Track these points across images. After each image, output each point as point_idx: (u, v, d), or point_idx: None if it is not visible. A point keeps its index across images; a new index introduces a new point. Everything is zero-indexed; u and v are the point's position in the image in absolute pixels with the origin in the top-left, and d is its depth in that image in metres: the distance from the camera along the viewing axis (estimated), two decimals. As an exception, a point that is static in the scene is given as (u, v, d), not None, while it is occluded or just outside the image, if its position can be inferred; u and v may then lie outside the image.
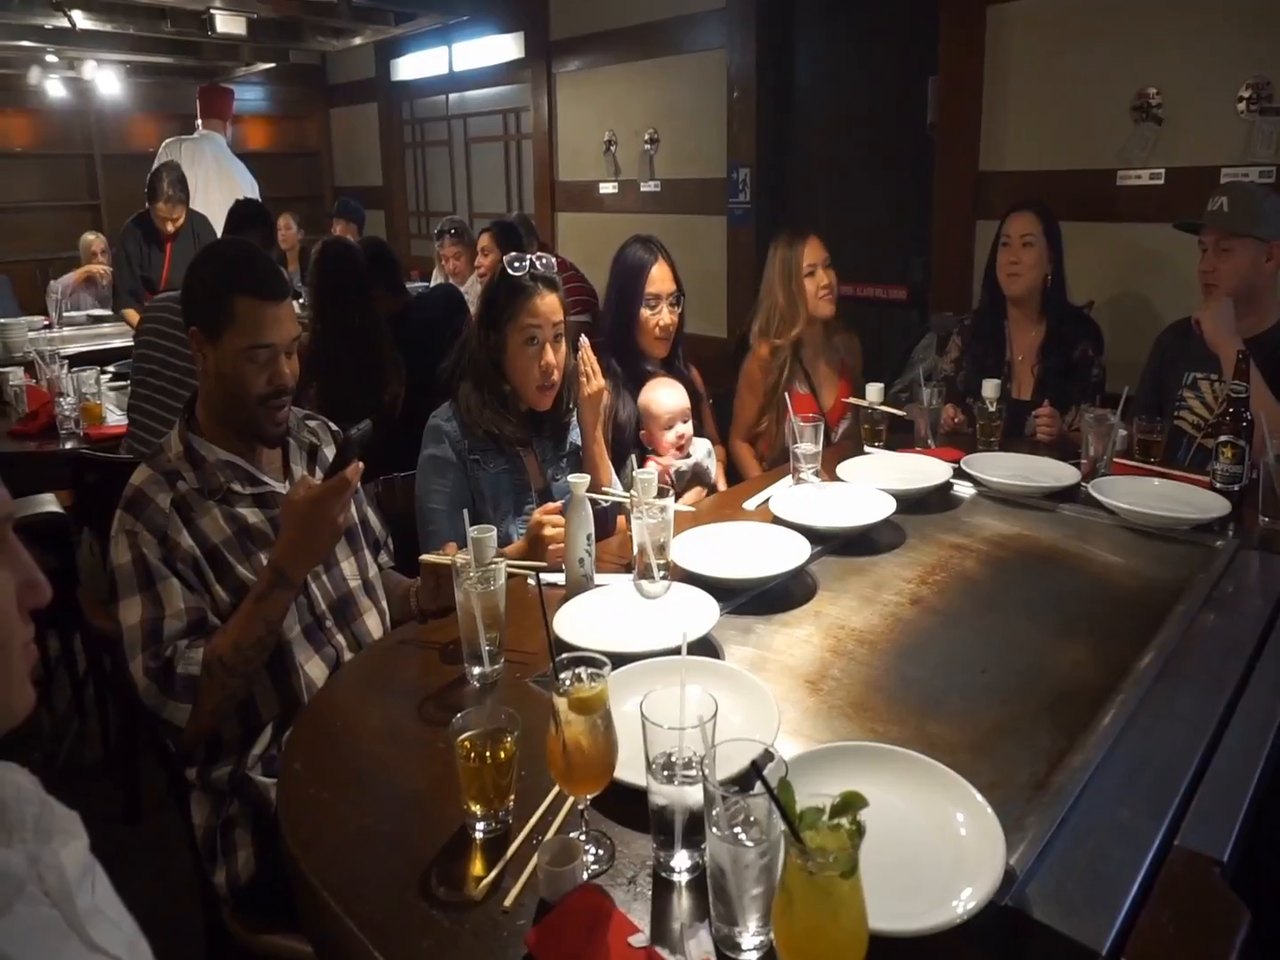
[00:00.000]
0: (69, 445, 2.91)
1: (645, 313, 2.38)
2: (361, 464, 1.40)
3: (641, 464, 2.30)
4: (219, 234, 4.08)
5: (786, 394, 2.31)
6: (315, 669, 1.49)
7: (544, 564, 1.46)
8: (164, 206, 4.19)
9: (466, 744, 1.02)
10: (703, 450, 2.41)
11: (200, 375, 1.52)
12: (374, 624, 1.61)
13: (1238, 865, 0.94)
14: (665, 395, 2.34)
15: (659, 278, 2.37)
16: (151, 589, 1.37)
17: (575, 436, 2.08)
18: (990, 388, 2.30)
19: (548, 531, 1.65)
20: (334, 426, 1.74)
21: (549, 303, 1.89)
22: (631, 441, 2.37)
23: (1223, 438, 1.92)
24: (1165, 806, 1.01)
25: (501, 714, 1.05)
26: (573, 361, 1.98)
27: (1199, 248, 2.31)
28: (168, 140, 4.68)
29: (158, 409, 2.60)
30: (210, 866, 1.42)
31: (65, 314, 4.61)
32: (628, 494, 1.67)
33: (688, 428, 2.34)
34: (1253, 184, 2.37)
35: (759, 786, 0.78)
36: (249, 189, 4.78)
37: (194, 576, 1.41)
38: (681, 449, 2.34)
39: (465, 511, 1.47)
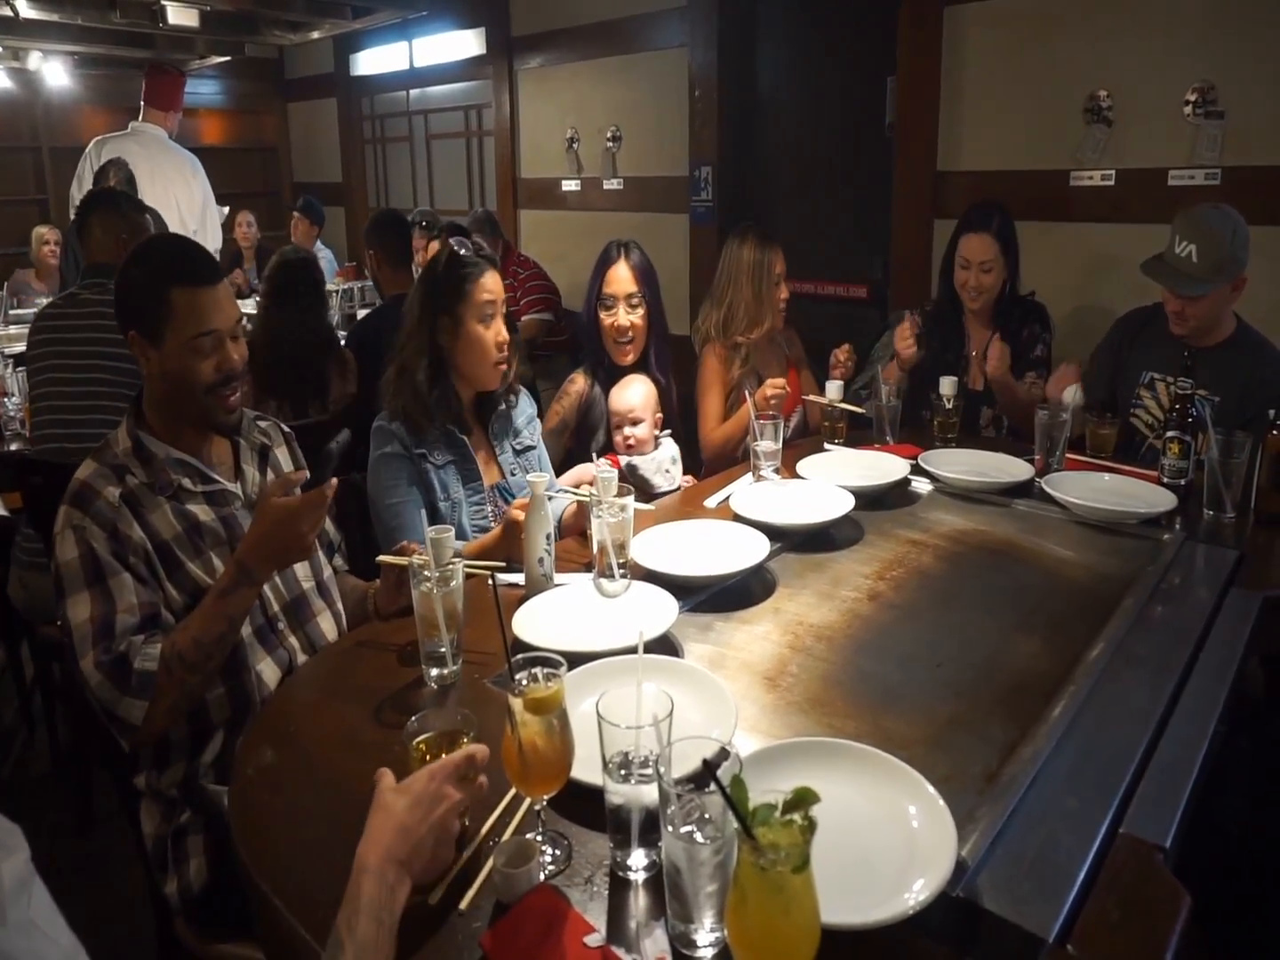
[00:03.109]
0: (14, 447, 2.83)
1: (602, 312, 2.38)
2: (336, 480, 1.39)
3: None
4: (169, 227, 3.96)
5: (748, 392, 2.32)
6: (268, 671, 1.47)
7: (502, 564, 1.45)
8: None
9: (421, 747, 1.01)
10: (666, 456, 2.40)
11: (145, 379, 1.49)
12: (328, 626, 1.59)
13: (1180, 850, 0.97)
14: (618, 394, 2.35)
15: (615, 278, 2.36)
16: (102, 583, 1.34)
17: (527, 435, 2.10)
18: (948, 385, 2.33)
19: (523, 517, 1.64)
20: (285, 428, 1.71)
21: (495, 279, 1.95)
22: (605, 441, 2.38)
23: (1170, 433, 1.97)
24: (1112, 795, 1.03)
25: (457, 715, 1.05)
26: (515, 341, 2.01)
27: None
28: (94, 140, 4.49)
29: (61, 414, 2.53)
30: (161, 876, 1.39)
31: (11, 311, 4.49)
32: (588, 493, 1.67)
33: (638, 430, 2.32)
34: (1220, 219, 2.16)
35: (714, 784, 0.79)
36: (194, 175, 4.60)
37: (146, 570, 1.38)
38: (632, 449, 2.33)
39: (422, 511, 1.45)
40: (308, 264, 3.02)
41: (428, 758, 1.00)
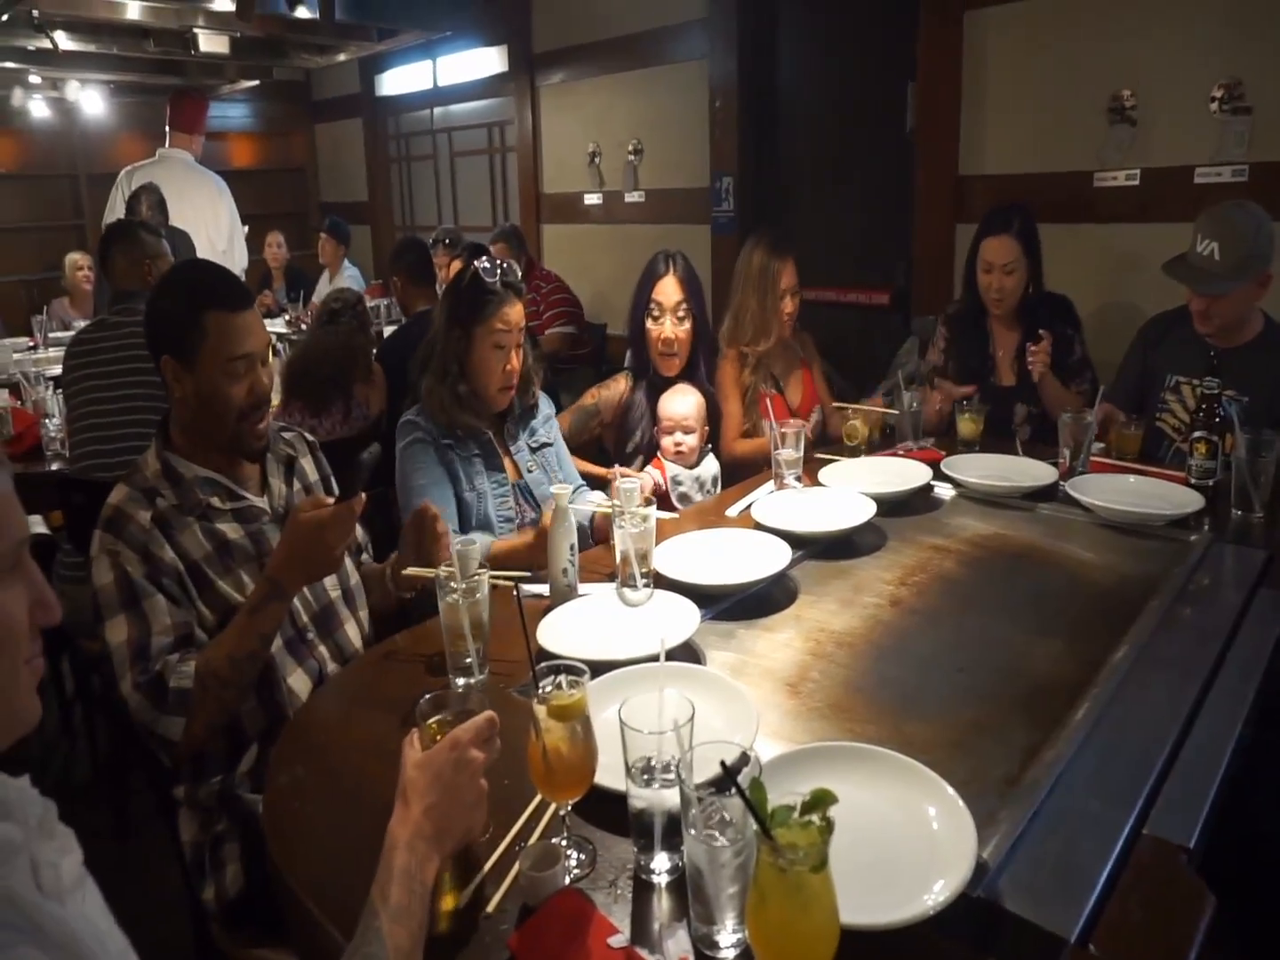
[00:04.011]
0: (55, 467, 2.91)
1: (649, 322, 2.41)
2: (364, 495, 1.41)
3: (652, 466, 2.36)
4: (197, 251, 4.06)
5: (769, 400, 2.33)
6: (299, 682, 1.50)
7: (526, 573, 1.47)
8: None
9: (433, 727, 1.01)
10: (709, 474, 2.41)
11: (175, 403, 1.52)
12: (353, 633, 1.62)
13: (1205, 851, 0.96)
14: (671, 401, 2.37)
15: (664, 289, 2.40)
16: (136, 606, 1.37)
17: (543, 434, 2.14)
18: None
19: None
20: (309, 437, 1.75)
21: (517, 310, 1.97)
22: (643, 444, 2.41)
23: (1196, 433, 1.95)
24: (1135, 796, 1.03)
25: (470, 697, 1.05)
26: (529, 362, 2.07)
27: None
28: (124, 170, 4.61)
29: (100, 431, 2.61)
30: (199, 882, 1.42)
31: (51, 334, 4.60)
32: (610, 504, 1.69)
33: (689, 439, 2.35)
34: (1243, 216, 2.15)
35: (732, 785, 0.80)
36: (220, 195, 4.71)
37: (178, 591, 1.41)
38: (681, 456, 2.35)
39: (450, 494, 1.46)
40: (356, 298, 3.31)
41: (438, 737, 0.99)
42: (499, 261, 1.98)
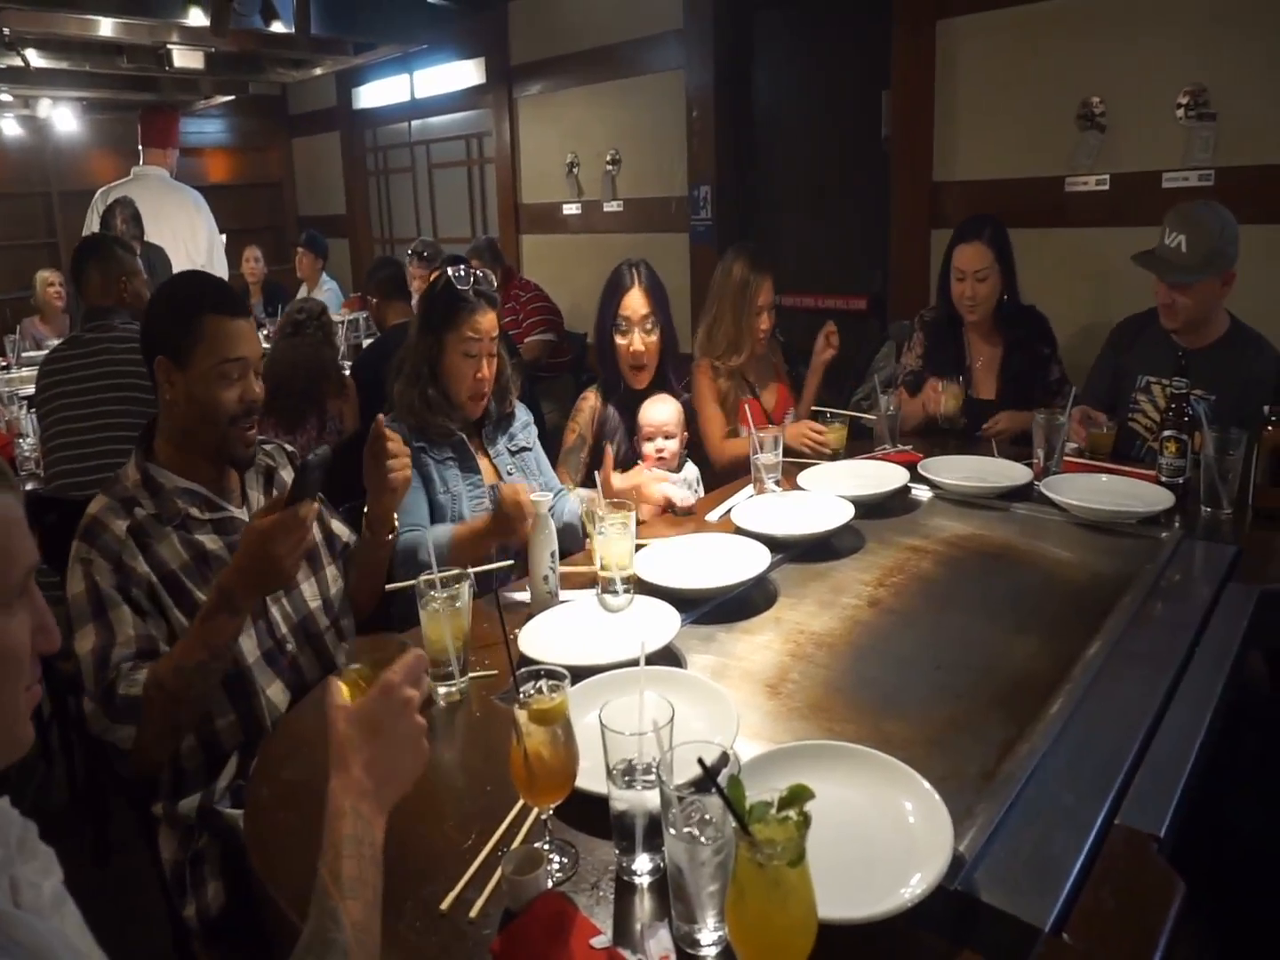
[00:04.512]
0: (30, 486, 2.88)
1: (617, 336, 2.41)
2: (317, 504, 1.41)
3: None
4: (174, 266, 4.05)
5: (747, 406, 2.35)
6: (277, 694, 1.49)
7: (509, 562, 1.48)
8: None
9: (354, 674, 0.98)
10: (692, 476, 2.43)
11: (164, 406, 1.51)
12: (331, 640, 1.61)
13: (1175, 840, 0.98)
14: (652, 408, 2.38)
15: (631, 303, 2.38)
16: (103, 616, 1.36)
17: (523, 438, 2.16)
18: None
19: (522, 497, 1.71)
20: (289, 448, 1.75)
21: (489, 319, 1.99)
22: (620, 455, 2.42)
23: (1166, 432, 1.98)
24: (1108, 788, 1.05)
25: (397, 643, 1.04)
26: (507, 371, 2.09)
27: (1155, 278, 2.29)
28: (100, 191, 4.60)
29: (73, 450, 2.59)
30: (180, 900, 1.41)
31: (24, 354, 4.56)
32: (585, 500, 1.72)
33: (670, 444, 2.36)
34: (1210, 213, 2.20)
35: (710, 782, 0.81)
36: (197, 210, 4.70)
37: (149, 603, 1.40)
38: (663, 461, 2.36)
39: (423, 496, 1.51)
40: (320, 308, 3.30)
41: (360, 683, 0.97)
42: (473, 271, 1.99)
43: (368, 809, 0.88)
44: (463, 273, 1.97)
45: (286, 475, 1.69)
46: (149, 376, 1.51)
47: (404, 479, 1.65)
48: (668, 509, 2.10)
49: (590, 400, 2.45)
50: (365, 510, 1.67)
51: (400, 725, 0.92)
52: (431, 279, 2.12)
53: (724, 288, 2.65)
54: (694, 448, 2.62)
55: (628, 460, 2.44)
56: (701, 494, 2.41)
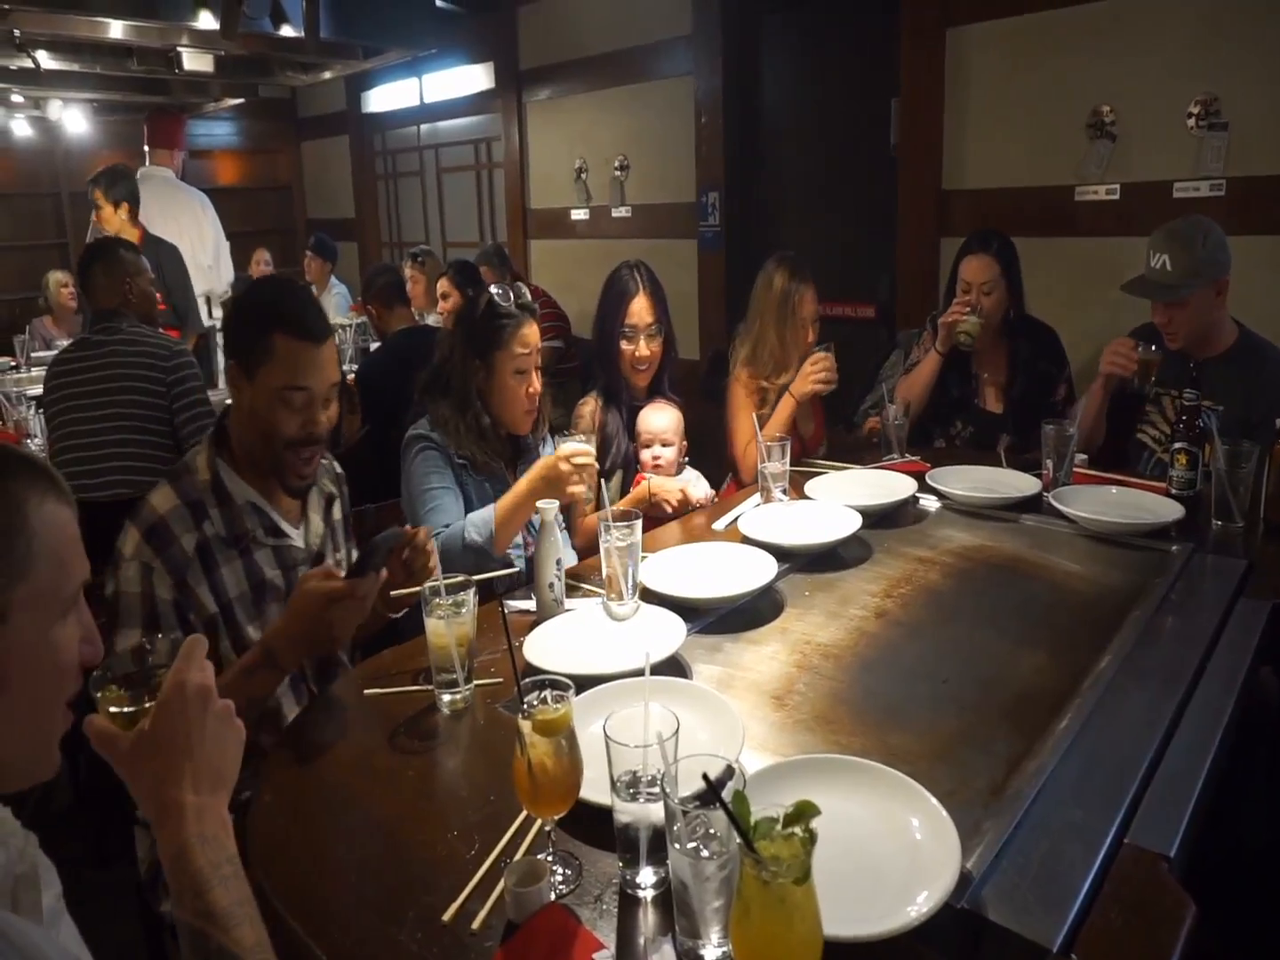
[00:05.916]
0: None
1: (623, 343, 2.40)
2: (382, 577, 1.35)
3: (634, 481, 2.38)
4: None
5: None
6: (291, 711, 1.50)
7: (516, 569, 1.47)
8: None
9: (113, 693, 0.86)
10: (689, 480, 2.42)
11: (234, 408, 1.48)
12: (343, 656, 1.62)
13: (1187, 860, 0.97)
14: (650, 416, 2.39)
15: (638, 310, 2.37)
16: (153, 628, 1.34)
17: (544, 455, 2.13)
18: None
19: (570, 465, 1.72)
20: (339, 469, 1.72)
21: (534, 330, 1.98)
22: (619, 460, 2.41)
23: (1177, 445, 1.97)
24: (1117, 806, 1.04)
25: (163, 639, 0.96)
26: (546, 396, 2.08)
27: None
28: None
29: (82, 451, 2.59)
30: (152, 897, 1.40)
31: (33, 354, 4.59)
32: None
33: (667, 452, 2.36)
34: (1188, 226, 2.22)
35: (714, 798, 0.80)
36: (204, 211, 4.72)
37: (202, 631, 1.35)
38: (659, 469, 2.36)
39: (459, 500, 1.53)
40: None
41: (142, 703, 0.86)
42: (508, 286, 1.98)
43: (210, 825, 0.79)
44: (501, 290, 1.96)
45: (339, 502, 1.66)
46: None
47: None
48: (683, 507, 2.10)
49: (590, 406, 2.45)
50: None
51: (209, 720, 0.84)
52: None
53: (765, 301, 2.55)
54: (709, 456, 2.62)
55: (626, 465, 2.43)
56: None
